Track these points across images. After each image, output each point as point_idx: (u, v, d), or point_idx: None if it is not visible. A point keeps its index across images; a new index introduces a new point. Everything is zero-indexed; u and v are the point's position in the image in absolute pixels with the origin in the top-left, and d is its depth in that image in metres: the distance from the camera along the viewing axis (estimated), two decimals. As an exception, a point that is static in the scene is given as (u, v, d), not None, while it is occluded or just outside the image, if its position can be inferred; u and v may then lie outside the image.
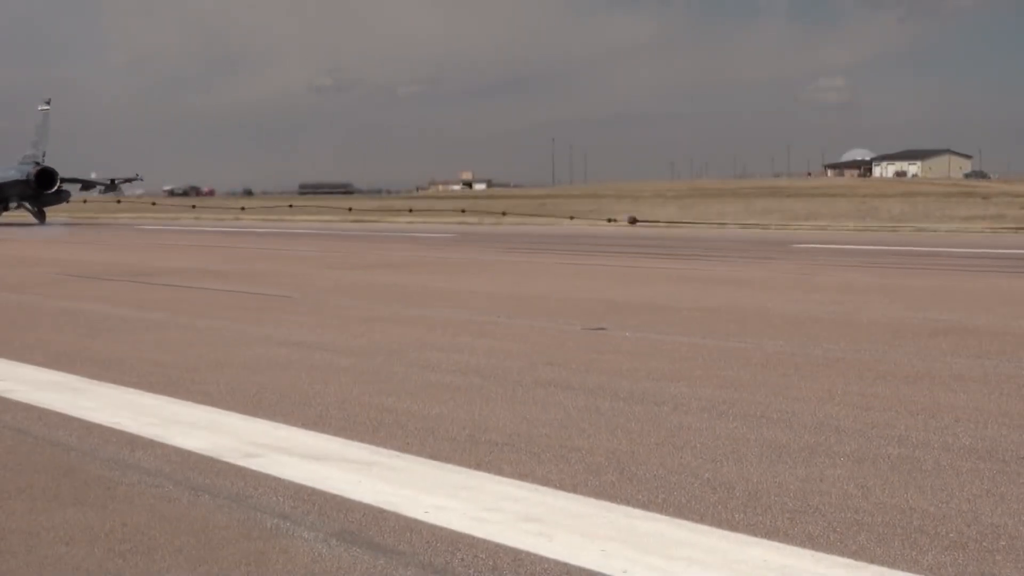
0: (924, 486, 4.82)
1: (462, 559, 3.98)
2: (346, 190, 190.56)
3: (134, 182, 61.67)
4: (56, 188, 47.01)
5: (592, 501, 4.66)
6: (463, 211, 50.29)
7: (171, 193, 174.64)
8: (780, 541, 4.13)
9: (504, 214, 47.74)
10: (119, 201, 62.05)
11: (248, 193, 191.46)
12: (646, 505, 4.60)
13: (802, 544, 4.10)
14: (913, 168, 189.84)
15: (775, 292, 13.79)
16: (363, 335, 10.02)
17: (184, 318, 11.61)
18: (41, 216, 47.76)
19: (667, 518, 4.42)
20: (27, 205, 48.13)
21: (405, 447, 5.65)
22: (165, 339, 9.93)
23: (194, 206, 64.28)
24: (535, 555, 4.00)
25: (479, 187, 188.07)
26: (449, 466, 5.27)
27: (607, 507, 4.57)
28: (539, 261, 20.74)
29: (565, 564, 3.92)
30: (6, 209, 47.96)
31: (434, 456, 5.46)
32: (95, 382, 7.73)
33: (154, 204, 64.42)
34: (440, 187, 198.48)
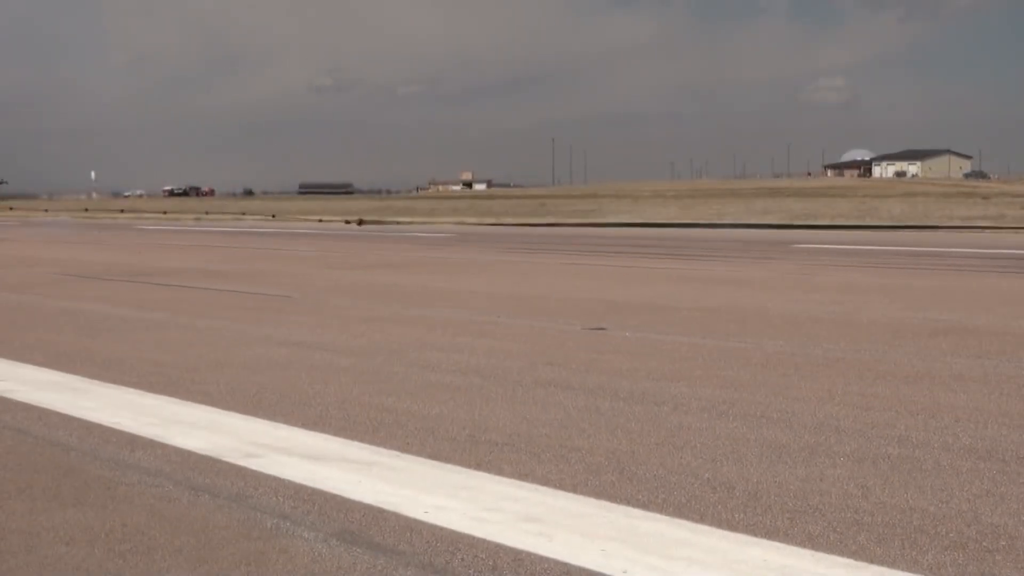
0: (924, 486, 4.83)
1: (462, 559, 3.99)
2: (346, 190, 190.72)
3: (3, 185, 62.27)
4: None
5: (592, 501, 4.66)
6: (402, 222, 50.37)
7: (171, 193, 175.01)
8: (780, 541, 4.14)
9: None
10: (121, 211, 62.23)
11: (248, 193, 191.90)
12: (646, 505, 4.60)
13: (802, 544, 4.10)
14: (913, 168, 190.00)
15: (775, 292, 13.79)
16: (363, 335, 10.03)
17: (184, 318, 11.61)
18: None
19: (667, 518, 4.42)
20: None
21: (405, 447, 5.66)
22: (165, 339, 9.94)
23: (200, 216, 64.18)
24: (535, 555, 4.01)
25: (479, 187, 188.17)
26: (449, 466, 5.27)
27: (607, 507, 4.57)
28: (539, 261, 20.75)
29: (565, 564, 3.92)
30: None
31: (434, 456, 5.46)
32: (95, 382, 7.73)
33: (165, 213, 64.39)
34: (440, 187, 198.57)
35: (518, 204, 61.70)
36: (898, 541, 4.12)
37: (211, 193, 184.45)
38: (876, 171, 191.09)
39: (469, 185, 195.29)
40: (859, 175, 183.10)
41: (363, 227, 41.19)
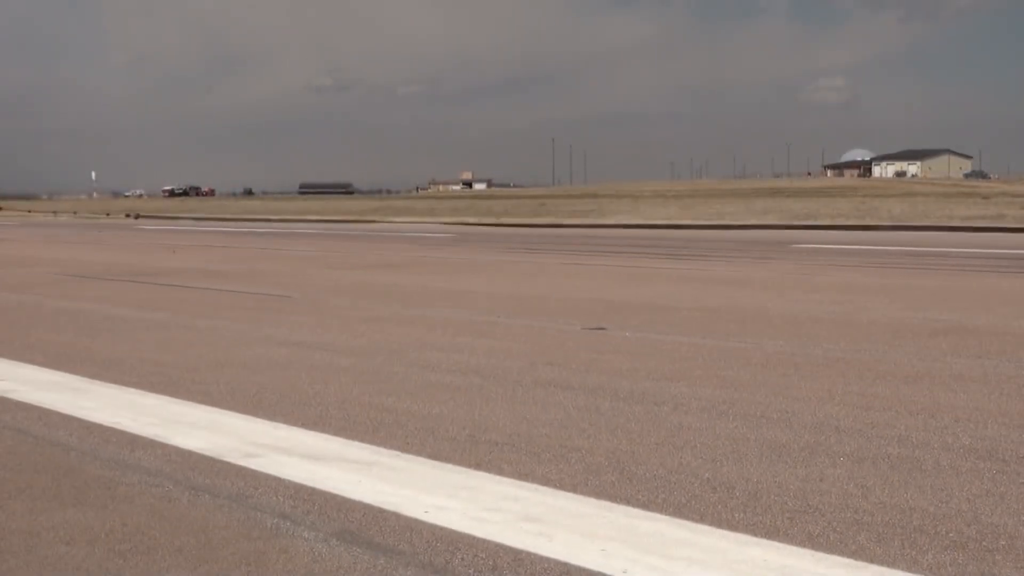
0: (924, 486, 4.83)
1: (462, 559, 3.99)
2: (346, 190, 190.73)
3: None
4: None
5: (592, 501, 4.66)
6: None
7: (171, 193, 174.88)
8: (780, 541, 4.14)
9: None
10: (136, 216, 62.18)
11: (248, 193, 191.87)
12: (646, 505, 4.60)
13: (802, 544, 4.10)
14: (913, 168, 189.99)
15: (775, 292, 13.79)
16: (363, 335, 10.03)
17: (184, 318, 11.61)
18: None
19: (667, 518, 4.42)
20: None
21: (405, 447, 5.66)
22: (165, 339, 9.94)
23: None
24: (535, 555, 4.01)
25: (479, 187, 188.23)
26: (449, 466, 5.27)
27: (607, 507, 4.57)
28: (539, 261, 20.75)
29: (565, 564, 3.92)
30: None
31: (434, 456, 5.46)
32: (95, 382, 7.73)
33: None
34: (440, 187, 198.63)
35: (518, 204, 61.70)
36: (898, 541, 4.12)
37: (211, 193, 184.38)
38: (876, 171, 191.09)
39: (469, 185, 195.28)
40: (859, 175, 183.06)
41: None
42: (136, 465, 5.39)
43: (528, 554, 4.02)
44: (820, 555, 3.98)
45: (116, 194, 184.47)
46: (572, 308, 12.09)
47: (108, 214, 64.61)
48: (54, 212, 73.38)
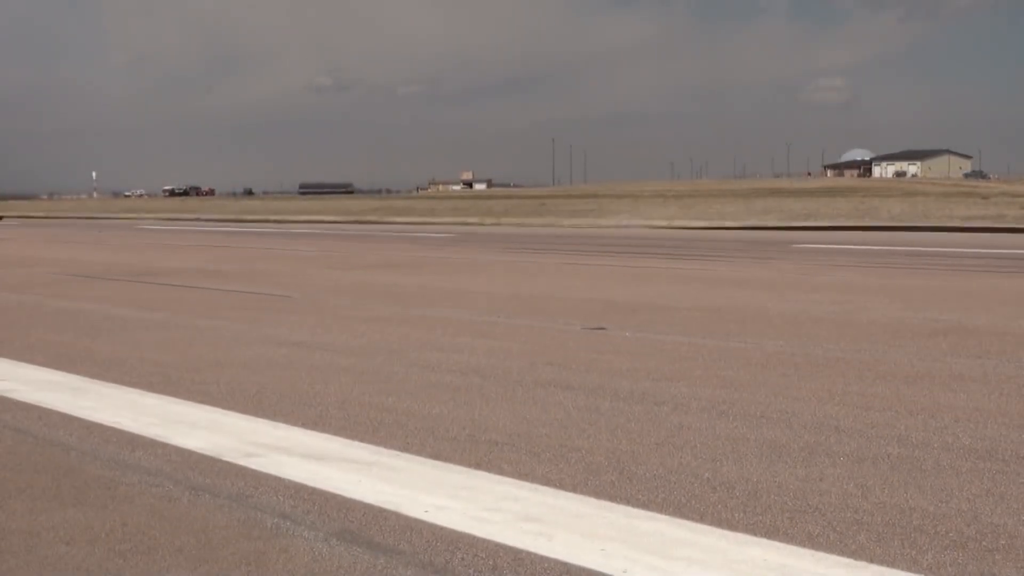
0: (924, 486, 4.83)
1: (462, 559, 3.99)
2: (346, 190, 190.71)
3: None
4: None
5: (592, 501, 4.66)
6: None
7: (171, 193, 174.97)
8: (780, 541, 4.14)
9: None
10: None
11: (248, 193, 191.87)
12: (646, 505, 4.60)
13: (802, 544, 4.10)
14: (913, 168, 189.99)
15: (775, 292, 13.79)
16: (363, 335, 10.03)
17: (184, 318, 11.61)
18: None
19: (667, 518, 4.42)
20: None
21: (405, 447, 5.66)
22: (166, 339, 9.94)
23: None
24: (535, 555, 4.01)
25: (479, 187, 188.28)
26: (449, 466, 5.27)
27: (607, 507, 4.57)
28: (539, 261, 20.74)
29: (565, 564, 3.92)
30: None
31: (434, 456, 5.46)
32: (95, 382, 7.73)
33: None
34: (440, 187, 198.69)
35: (518, 204, 61.70)
36: (898, 541, 4.12)
37: (211, 193, 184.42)
38: (876, 171, 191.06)
39: (469, 185, 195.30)
40: (859, 175, 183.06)
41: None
42: (136, 465, 5.39)
43: (528, 554, 4.02)
44: (820, 555, 3.98)
45: (116, 194, 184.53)
46: (572, 308, 12.09)
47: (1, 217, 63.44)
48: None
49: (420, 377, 7.73)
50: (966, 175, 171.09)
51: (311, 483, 4.98)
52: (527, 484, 4.93)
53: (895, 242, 26.19)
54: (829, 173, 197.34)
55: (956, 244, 25.16)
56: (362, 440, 5.82)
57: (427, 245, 28.04)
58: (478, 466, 5.26)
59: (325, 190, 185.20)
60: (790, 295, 13.35)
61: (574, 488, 4.86)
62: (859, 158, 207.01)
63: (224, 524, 4.42)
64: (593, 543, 4.12)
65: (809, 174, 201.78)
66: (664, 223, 40.65)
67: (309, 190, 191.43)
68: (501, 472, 5.15)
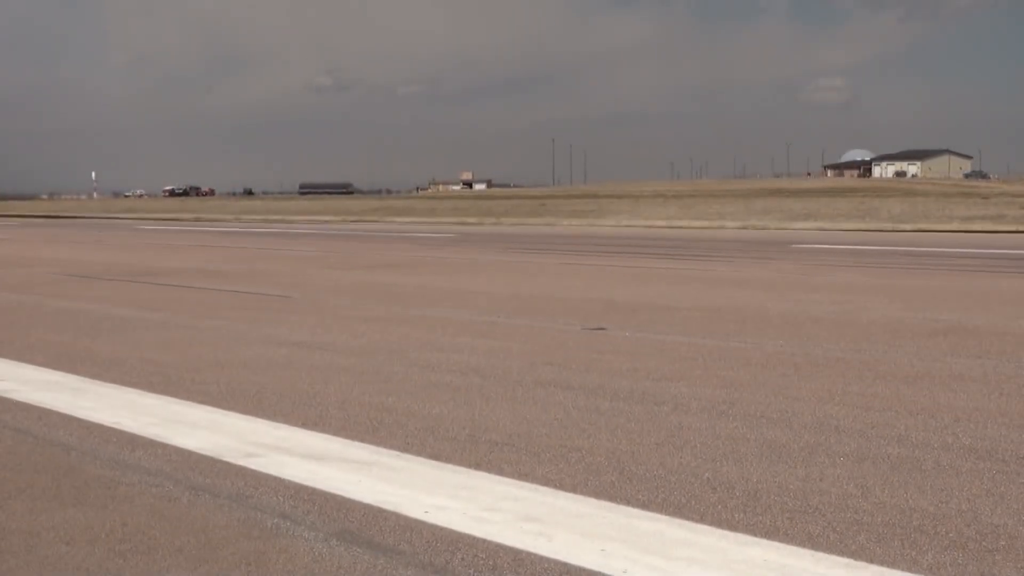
0: (924, 486, 4.83)
1: (462, 559, 3.99)
2: (346, 190, 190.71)
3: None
4: None
5: (592, 501, 4.66)
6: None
7: (171, 193, 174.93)
8: (780, 541, 4.13)
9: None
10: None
11: (248, 193, 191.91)
12: (646, 505, 4.60)
13: (802, 544, 4.10)
14: (913, 168, 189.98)
15: (775, 292, 13.79)
16: (363, 335, 10.03)
17: (184, 318, 11.61)
18: None
19: (667, 518, 4.42)
20: None
21: (405, 447, 5.66)
22: (165, 339, 9.94)
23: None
24: (535, 555, 4.01)
25: (479, 187, 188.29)
26: (449, 466, 5.27)
27: (607, 507, 4.57)
28: (539, 261, 20.75)
29: (565, 564, 3.92)
30: None
31: (434, 456, 5.46)
32: (95, 382, 7.73)
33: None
34: (440, 187, 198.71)
35: (518, 204, 61.70)
36: (898, 541, 4.12)
37: (211, 193, 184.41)
38: (876, 171, 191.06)
39: (469, 185, 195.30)
40: (859, 175, 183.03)
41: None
42: (136, 465, 5.38)
43: (528, 554, 4.02)
44: (820, 555, 3.98)
45: (116, 194, 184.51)
46: (572, 308, 12.09)
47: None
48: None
49: (420, 377, 7.73)
50: (966, 175, 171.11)
51: (311, 483, 4.98)
52: (527, 484, 4.93)
53: (895, 242, 26.18)
54: (829, 173, 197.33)
55: (956, 244, 25.16)
56: (362, 440, 5.82)
57: (427, 245, 28.04)
58: (478, 466, 5.26)
59: (325, 190, 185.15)
60: (790, 295, 13.35)
61: (574, 488, 4.86)
62: (859, 158, 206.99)
63: (224, 524, 4.42)
64: (593, 543, 4.12)
65: (809, 174, 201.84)
66: (664, 223, 40.65)
67: (309, 190, 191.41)
68: (501, 472, 5.15)
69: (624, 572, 3.84)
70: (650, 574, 3.82)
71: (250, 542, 4.20)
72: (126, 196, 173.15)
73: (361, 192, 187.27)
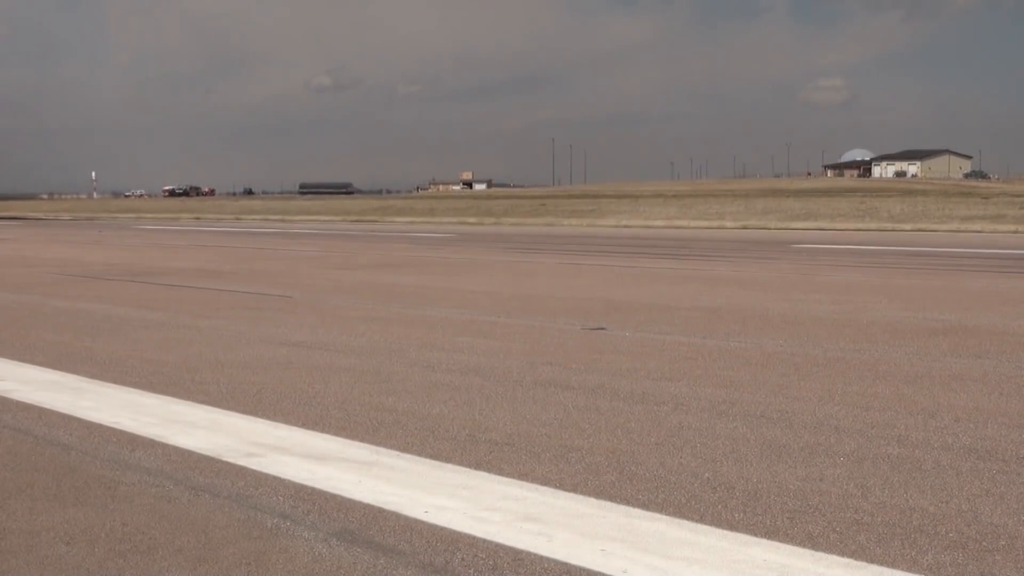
0: (924, 486, 4.83)
1: (462, 559, 3.99)
2: (346, 190, 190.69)
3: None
4: None
5: (592, 501, 4.66)
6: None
7: (171, 193, 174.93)
8: (780, 541, 4.13)
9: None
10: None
11: (248, 193, 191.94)
12: (646, 505, 4.60)
13: (802, 544, 4.10)
14: (913, 168, 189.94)
15: (775, 292, 13.79)
16: (363, 335, 10.03)
17: (184, 318, 11.61)
18: None
19: (667, 518, 4.42)
20: None
21: (405, 447, 5.65)
22: (165, 339, 9.94)
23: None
24: (535, 555, 4.01)
25: (479, 187, 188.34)
26: (449, 466, 5.27)
27: (607, 507, 4.57)
28: (539, 261, 20.75)
29: (565, 564, 3.92)
30: None
31: (434, 456, 5.46)
32: (95, 382, 7.73)
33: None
34: (440, 187, 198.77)
35: (518, 204, 61.69)
36: (898, 541, 4.12)
37: (211, 193, 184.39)
38: (876, 171, 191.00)
39: (469, 185, 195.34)
40: (859, 175, 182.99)
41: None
42: (136, 465, 5.38)
43: (528, 554, 4.02)
44: (820, 555, 3.98)
45: (116, 194, 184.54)
46: (572, 308, 12.09)
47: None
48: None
49: (420, 377, 7.73)
50: (966, 175, 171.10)
51: (311, 483, 4.98)
52: (527, 484, 4.93)
53: (895, 242, 26.18)
54: (829, 173, 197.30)
55: (956, 244, 25.16)
56: (362, 440, 5.82)
57: (427, 245, 28.03)
58: (478, 466, 5.26)
59: (325, 190, 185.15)
60: (790, 295, 13.35)
61: (574, 488, 4.86)
62: (859, 158, 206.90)
63: (224, 524, 4.42)
64: (593, 543, 4.12)
65: (809, 174, 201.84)
66: (664, 223, 40.65)
67: (309, 190, 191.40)
68: (501, 472, 5.14)
69: (624, 572, 3.84)
70: (650, 574, 3.82)
71: (250, 542, 4.20)
72: (126, 196, 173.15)
73: (361, 192, 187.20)
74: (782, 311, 11.54)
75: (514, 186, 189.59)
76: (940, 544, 4.08)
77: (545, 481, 4.97)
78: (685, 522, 4.36)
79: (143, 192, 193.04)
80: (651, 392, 7.05)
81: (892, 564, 3.88)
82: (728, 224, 39.06)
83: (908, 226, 34.36)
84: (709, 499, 4.67)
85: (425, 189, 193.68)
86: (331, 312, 12.07)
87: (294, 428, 6.13)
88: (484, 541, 4.16)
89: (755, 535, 4.20)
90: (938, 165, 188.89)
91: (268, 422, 6.29)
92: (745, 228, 37.15)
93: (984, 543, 4.08)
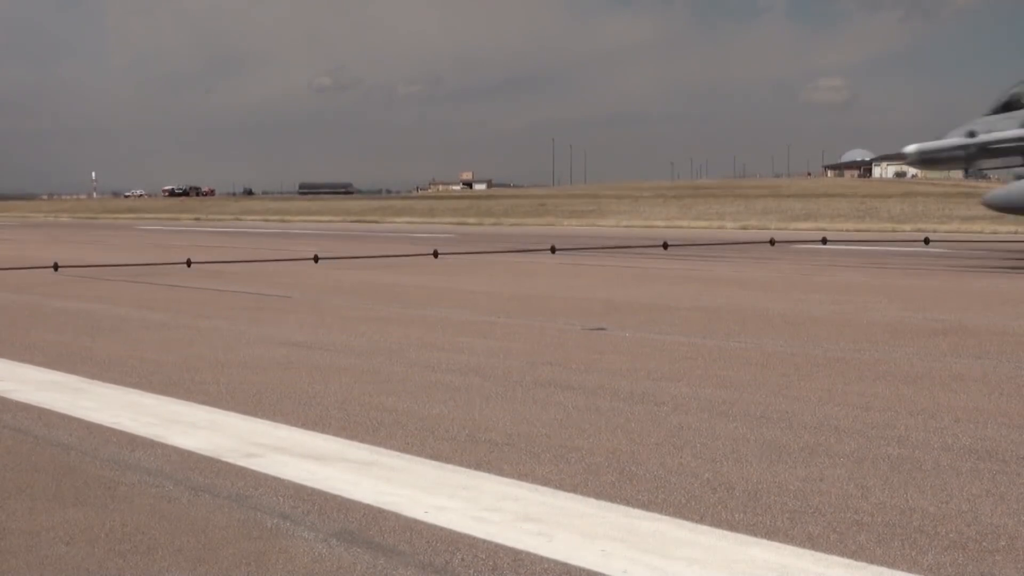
0: (924, 486, 4.82)
1: (462, 559, 3.98)
2: (346, 190, 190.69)
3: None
4: None
5: (592, 501, 4.66)
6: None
7: (171, 193, 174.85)
8: (780, 541, 4.13)
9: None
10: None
11: (248, 193, 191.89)
12: (646, 505, 4.60)
13: (802, 544, 4.10)
14: (913, 168, 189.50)
15: (775, 292, 13.79)
16: (363, 335, 10.02)
17: (184, 318, 11.61)
18: None
19: (667, 518, 4.42)
20: None
21: (405, 447, 5.65)
22: (165, 339, 9.94)
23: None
24: (535, 555, 4.01)
25: (479, 187, 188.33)
26: (449, 466, 5.27)
27: (607, 507, 4.57)
28: (539, 261, 20.75)
29: (565, 564, 3.92)
30: None
31: (434, 456, 5.46)
32: (95, 382, 7.73)
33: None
34: (440, 187, 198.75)
35: (518, 204, 61.70)
36: (898, 541, 4.12)
37: (211, 193, 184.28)
38: (876, 171, 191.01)
39: (469, 185, 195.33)
40: (859, 175, 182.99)
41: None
42: (136, 465, 5.38)
43: (528, 554, 4.02)
44: (820, 555, 3.98)
45: (116, 194, 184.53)
46: (572, 308, 12.09)
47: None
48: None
49: (420, 377, 7.73)
50: (966, 175, 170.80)
51: (311, 483, 4.98)
52: (527, 484, 4.93)
53: (895, 242, 26.18)
54: (829, 173, 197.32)
55: (956, 244, 25.16)
56: (362, 440, 5.82)
57: (427, 245, 28.03)
58: (478, 466, 5.26)
59: (325, 190, 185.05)
60: (790, 295, 13.35)
61: (574, 488, 4.86)
62: (859, 158, 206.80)
63: (224, 524, 4.42)
64: (593, 543, 4.12)
65: (809, 174, 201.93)
66: (664, 223, 40.65)
67: (309, 190, 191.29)
68: (501, 472, 5.14)
69: (624, 572, 3.84)
70: (650, 574, 3.82)
71: (250, 542, 4.20)
72: (126, 196, 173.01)
73: (361, 192, 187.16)
74: (782, 311, 11.54)
75: (514, 186, 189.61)
76: (940, 544, 4.08)
77: (545, 481, 4.97)
78: (685, 522, 4.36)
79: (143, 192, 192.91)
80: (651, 392, 7.05)
81: (892, 564, 3.88)
82: (728, 224, 39.05)
83: (908, 226, 34.36)
84: (709, 499, 4.67)
85: (425, 189, 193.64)
86: (331, 312, 12.07)
87: (294, 428, 6.13)
88: (484, 541, 4.16)
89: (755, 535, 4.20)
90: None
91: (268, 422, 6.29)
92: (745, 228, 37.15)
93: (984, 543, 4.08)
